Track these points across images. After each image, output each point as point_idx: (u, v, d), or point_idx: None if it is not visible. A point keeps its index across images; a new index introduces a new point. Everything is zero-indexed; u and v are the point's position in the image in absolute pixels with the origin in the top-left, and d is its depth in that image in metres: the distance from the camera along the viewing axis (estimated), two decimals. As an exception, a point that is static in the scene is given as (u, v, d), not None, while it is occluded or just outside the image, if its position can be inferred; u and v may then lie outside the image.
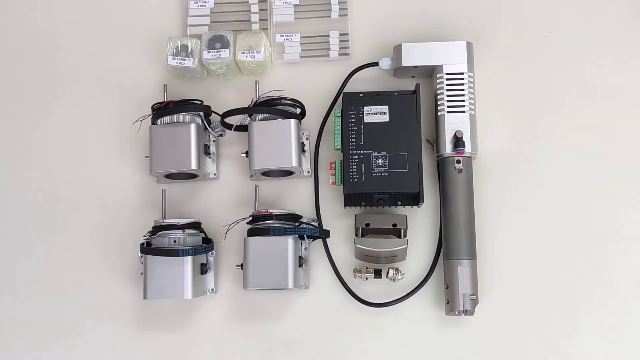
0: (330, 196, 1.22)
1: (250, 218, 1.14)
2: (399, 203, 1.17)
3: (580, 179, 1.18)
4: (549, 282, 1.15)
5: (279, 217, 1.12)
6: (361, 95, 1.16)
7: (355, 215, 1.16)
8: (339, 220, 1.21)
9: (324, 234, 1.15)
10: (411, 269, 1.17)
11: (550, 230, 1.17)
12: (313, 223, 1.18)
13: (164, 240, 1.12)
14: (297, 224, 1.16)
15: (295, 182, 1.23)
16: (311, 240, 1.18)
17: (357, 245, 1.13)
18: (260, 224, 1.13)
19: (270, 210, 1.12)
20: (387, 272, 1.15)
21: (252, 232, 1.13)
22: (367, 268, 1.16)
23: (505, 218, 1.18)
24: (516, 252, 1.17)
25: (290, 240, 1.11)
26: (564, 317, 1.14)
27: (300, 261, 1.15)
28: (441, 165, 1.16)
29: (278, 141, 1.15)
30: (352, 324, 1.17)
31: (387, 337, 1.16)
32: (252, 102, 1.17)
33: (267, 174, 1.20)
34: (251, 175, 1.22)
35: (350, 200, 1.17)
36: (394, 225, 1.15)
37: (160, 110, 1.16)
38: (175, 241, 1.11)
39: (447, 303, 1.12)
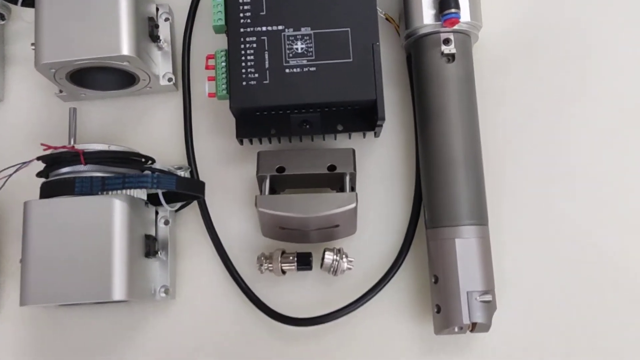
0: (210, 121, 0.67)
1: (39, 163, 0.57)
2: (340, 128, 0.63)
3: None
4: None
5: (93, 157, 0.56)
6: None
7: (259, 154, 0.62)
8: (229, 167, 0.66)
9: (192, 189, 0.59)
10: (366, 250, 0.64)
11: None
12: (176, 171, 0.63)
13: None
14: (139, 172, 0.59)
15: (145, 100, 0.67)
16: (175, 207, 0.63)
17: (261, 210, 0.58)
18: (57, 174, 0.57)
19: (78, 146, 0.56)
20: (322, 259, 0.61)
21: (44, 191, 0.57)
22: (283, 253, 0.62)
23: (528, 150, 0.65)
24: (551, 207, 0.65)
25: (117, 205, 0.54)
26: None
27: (151, 247, 0.59)
28: (415, 53, 0.63)
29: (92, 15, 0.58)
30: (265, 356, 0.63)
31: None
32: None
33: (88, 83, 0.63)
34: (60, 91, 0.65)
35: (246, 125, 0.62)
36: (331, 168, 0.61)
37: None
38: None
39: (438, 312, 0.59)
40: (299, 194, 0.59)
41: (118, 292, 0.53)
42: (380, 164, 0.65)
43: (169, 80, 0.65)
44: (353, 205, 0.58)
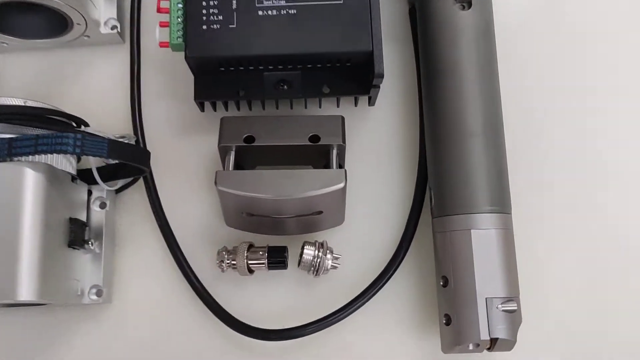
0: (164, 81, 0.53)
1: None
2: (326, 90, 0.50)
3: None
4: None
5: (1, 114, 0.42)
6: None
7: (223, 120, 0.49)
8: (185, 139, 0.53)
9: (132, 158, 0.45)
10: (356, 245, 0.51)
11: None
12: (116, 139, 0.49)
13: None
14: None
15: (83, 53, 0.54)
16: (115, 187, 0.49)
17: (222, 189, 0.45)
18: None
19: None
20: (301, 255, 0.48)
21: None
22: (251, 247, 0.49)
23: (559, 124, 0.53)
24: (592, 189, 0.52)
25: (29, 175, 0.41)
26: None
27: (78, 234, 0.45)
28: (422, 0, 0.51)
29: None
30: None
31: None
32: None
33: (9, 27, 0.50)
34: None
35: (207, 84, 0.49)
36: (314, 139, 0.48)
37: None
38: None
39: (447, 323, 0.46)
40: (271, 170, 0.46)
41: (25, 291, 0.39)
42: (375, 138, 0.52)
43: (113, 28, 0.52)
44: (341, 186, 0.45)
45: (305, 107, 0.52)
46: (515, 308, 0.44)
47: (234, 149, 0.48)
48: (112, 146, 0.41)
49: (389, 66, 0.53)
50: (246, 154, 0.48)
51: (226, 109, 0.52)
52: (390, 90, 0.53)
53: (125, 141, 0.49)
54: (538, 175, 0.51)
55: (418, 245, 0.50)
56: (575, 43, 0.54)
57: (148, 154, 0.46)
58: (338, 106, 0.52)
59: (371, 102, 0.52)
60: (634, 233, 0.50)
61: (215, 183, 0.45)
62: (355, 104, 0.53)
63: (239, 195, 0.45)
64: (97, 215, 0.49)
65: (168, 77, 0.53)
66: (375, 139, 0.52)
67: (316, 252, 0.48)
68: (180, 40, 0.47)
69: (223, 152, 0.48)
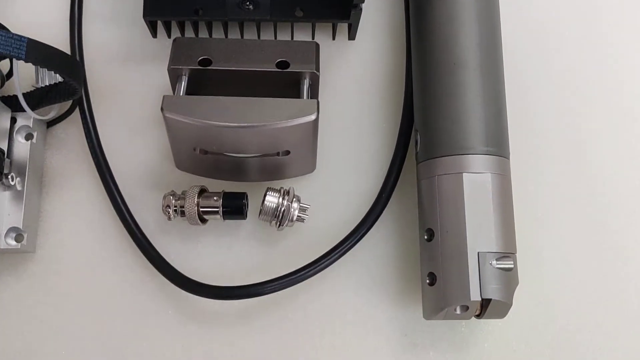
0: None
1: None
2: (299, 14, 0.43)
3: None
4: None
5: None
6: None
7: (175, 40, 0.42)
8: (133, 68, 0.45)
9: (57, 66, 0.36)
10: (328, 195, 0.44)
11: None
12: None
13: None
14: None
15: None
16: (46, 117, 0.41)
17: (169, 115, 0.38)
18: None
19: None
20: (262, 203, 0.41)
21: None
22: (204, 191, 0.42)
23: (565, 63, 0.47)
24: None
25: None
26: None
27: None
28: None
29: None
30: (168, 343, 0.41)
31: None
32: None
33: None
34: None
35: (159, 0, 0.42)
36: (282, 65, 0.41)
37: None
38: None
39: (431, 283, 0.39)
40: (229, 97, 0.39)
41: None
42: (354, 76, 0.45)
43: None
44: (312, 118, 0.38)
45: (275, 36, 0.45)
46: (512, 266, 0.37)
47: (186, 73, 0.40)
48: (32, 46, 0.34)
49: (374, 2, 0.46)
50: (201, 81, 0.41)
51: (182, 33, 0.44)
52: (373, 24, 0.46)
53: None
54: (539, 121, 0.45)
55: (400, 196, 0.43)
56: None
57: (80, 66, 0.39)
58: (313, 38, 0.45)
59: (351, 33, 0.45)
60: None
61: (162, 109, 0.38)
62: (333, 37, 0.46)
63: (189, 123, 0.38)
64: (21, 147, 0.41)
65: (115, -3, 0.46)
66: (355, 77, 0.45)
67: (280, 199, 0.41)
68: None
69: (174, 76, 0.41)
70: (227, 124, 0.38)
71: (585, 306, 0.42)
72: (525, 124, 0.44)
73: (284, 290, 0.40)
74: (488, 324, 0.41)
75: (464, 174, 0.38)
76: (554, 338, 0.41)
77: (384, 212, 0.42)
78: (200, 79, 0.41)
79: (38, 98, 0.41)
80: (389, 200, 0.42)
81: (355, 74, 0.45)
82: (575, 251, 0.43)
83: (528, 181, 0.43)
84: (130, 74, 0.45)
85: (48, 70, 0.36)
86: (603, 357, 0.41)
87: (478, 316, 0.38)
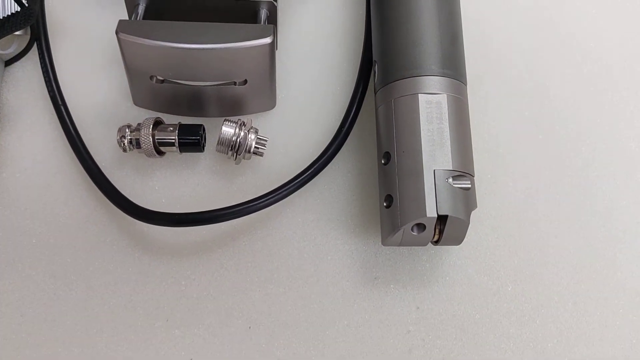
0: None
1: None
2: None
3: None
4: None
5: None
6: None
7: (133, -28, 0.42)
8: (93, 6, 0.45)
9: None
10: (288, 130, 0.43)
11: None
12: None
13: None
14: None
15: None
16: (4, 54, 0.41)
17: (124, 37, 0.37)
18: None
19: None
20: (220, 135, 0.40)
21: None
22: (160, 124, 0.41)
23: None
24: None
25: None
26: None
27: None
28: None
29: None
30: (122, 276, 0.40)
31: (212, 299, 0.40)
32: None
33: None
34: None
35: None
36: (239, -7, 0.41)
37: None
38: None
39: (388, 206, 0.38)
40: (185, 22, 0.39)
41: None
42: (315, 15, 0.46)
43: None
44: (268, 41, 0.38)
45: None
46: (469, 185, 0.37)
47: (143, 1, 0.40)
48: None
49: None
50: (158, 10, 0.41)
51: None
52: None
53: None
54: (498, 51, 0.45)
55: (361, 130, 0.43)
56: None
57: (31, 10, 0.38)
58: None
59: (311, -26, 0.46)
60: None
61: (117, 32, 0.38)
62: (293, -22, 0.46)
63: (144, 46, 0.38)
64: (-24, 79, 0.41)
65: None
66: (315, 16, 0.46)
67: (237, 129, 0.40)
68: None
69: (131, 5, 0.40)
70: (182, 45, 0.37)
71: (547, 239, 0.41)
72: (484, 54, 0.44)
73: (240, 220, 0.39)
74: (449, 256, 0.41)
75: (419, 94, 0.38)
76: (517, 270, 0.41)
77: (345, 145, 0.42)
78: (157, 8, 0.41)
79: (-9, 29, 0.41)
80: (349, 132, 0.42)
81: (315, 12, 0.46)
82: (537, 182, 0.42)
83: (487, 111, 0.43)
84: (89, 10, 0.45)
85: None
86: (568, 288, 0.40)
87: (436, 242, 0.37)
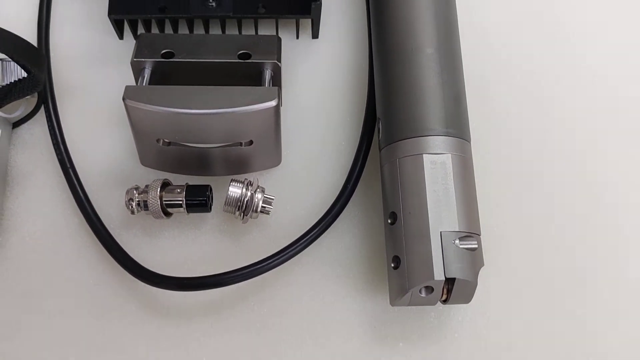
0: (80, 3, 0.47)
1: None
2: (262, 10, 0.44)
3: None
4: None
5: None
6: None
7: (139, 37, 0.42)
8: (99, 69, 0.45)
9: (22, 56, 0.36)
10: (294, 187, 0.43)
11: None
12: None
13: None
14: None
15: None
16: (12, 116, 0.41)
17: (130, 103, 0.38)
18: None
19: None
20: (227, 195, 0.41)
21: None
22: (167, 185, 0.41)
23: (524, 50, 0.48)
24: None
25: None
26: None
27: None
28: None
29: None
30: (131, 339, 0.40)
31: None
32: None
33: None
34: None
35: (123, -4, 0.43)
36: (244, 56, 0.41)
37: None
38: None
39: (395, 267, 0.38)
40: (191, 86, 0.39)
41: None
42: (318, 73, 0.46)
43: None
44: (273, 104, 0.38)
45: (239, 32, 0.46)
46: (476, 246, 0.37)
47: (149, 66, 0.41)
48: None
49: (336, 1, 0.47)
50: (164, 74, 0.41)
51: (148, 30, 0.45)
52: (337, 23, 0.47)
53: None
54: (501, 107, 0.45)
55: (366, 186, 0.43)
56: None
57: (43, 55, 0.39)
58: (275, 26, 0.46)
59: (314, 31, 0.46)
60: (605, 177, 0.44)
61: (124, 99, 0.38)
62: (297, 35, 0.47)
63: (150, 111, 0.38)
64: (-15, 145, 0.41)
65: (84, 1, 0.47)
66: (319, 73, 0.46)
67: (244, 189, 0.40)
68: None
69: (137, 70, 0.41)
70: (188, 110, 0.38)
71: (557, 292, 0.41)
72: (487, 111, 0.45)
73: (248, 281, 0.39)
74: (458, 314, 0.41)
75: (424, 154, 0.38)
76: (525, 326, 0.41)
77: (350, 202, 0.42)
78: (163, 71, 0.41)
79: (2, 95, 0.41)
80: (354, 189, 0.42)
81: (319, 70, 0.46)
82: (541, 236, 0.42)
83: (491, 167, 0.43)
84: (96, 74, 0.45)
85: (7, 56, 0.36)
86: (580, 342, 0.40)
87: (444, 302, 0.37)
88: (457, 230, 0.37)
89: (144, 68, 0.41)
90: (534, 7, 0.49)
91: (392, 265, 0.38)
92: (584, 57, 0.48)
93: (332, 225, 0.41)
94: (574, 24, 0.48)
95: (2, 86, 0.41)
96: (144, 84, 0.40)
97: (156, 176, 0.43)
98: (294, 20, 0.45)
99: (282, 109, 0.43)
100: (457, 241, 0.36)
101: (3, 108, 0.41)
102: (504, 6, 0.49)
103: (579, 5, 0.49)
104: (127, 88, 0.39)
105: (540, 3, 0.49)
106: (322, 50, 0.47)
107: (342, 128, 0.45)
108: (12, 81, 0.41)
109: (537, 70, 0.47)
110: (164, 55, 0.41)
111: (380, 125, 0.41)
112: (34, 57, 0.37)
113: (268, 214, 0.41)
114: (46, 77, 0.42)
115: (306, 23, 0.46)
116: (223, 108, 0.38)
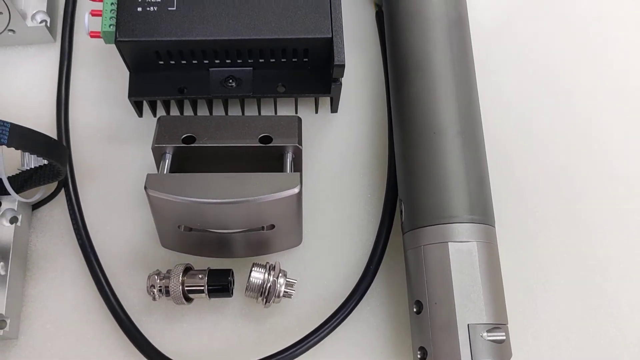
0: (97, 86, 0.47)
1: None
2: (281, 89, 0.44)
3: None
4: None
5: None
6: None
7: (160, 119, 0.42)
8: (118, 149, 0.45)
9: (41, 150, 0.35)
10: (315, 268, 0.43)
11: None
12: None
13: None
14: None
15: (5, 52, 0.47)
16: (31, 200, 0.41)
17: (153, 193, 0.38)
18: None
19: None
20: (248, 280, 0.40)
21: None
22: (189, 269, 0.41)
23: (544, 131, 0.47)
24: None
25: None
26: None
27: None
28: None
29: None
30: None
31: None
32: None
33: None
34: None
35: (144, 81, 0.43)
36: (265, 140, 0.41)
37: None
38: None
39: (422, 357, 0.38)
40: (212, 174, 0.39)
41: None
42: (338, 149, 0.46)
43: (41, 22, 0.46)
44: (295, 191, 0.38)
45: (259, 113, 0.46)
46: (504, 338, 0.36)
47: (170, 150, 0.41)
48: (15, 131, 0.34)
49: (355, 73, 0.47)
50: (185, 158, 0.41)
51: (167, 112, 0.45)
52: (356, 98, 0.47)
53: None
54: (524, 187, 0.45)
55: (388, 267, 0.42)
56: (558, 38, 0.49)
57: (64, 149, 0.39)
58: (296, 112, 0.46)
59: (333, 106, 0.46)
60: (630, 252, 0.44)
61: (145, 188, 0.38)
62: (316, 110, 0.46)
63: (172, 201, 0.38)
64: (5, 231, 0.41)
65: (102, 79, 0.47)
66: (338, 148, 0.46)
67: (266, 275, 0.40)
68: (113, 28, 0.41)
69: (158, 155, 0.41)
70: (210, 200, 0.37)
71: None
72: (510, 191, 0.44)
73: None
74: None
75: (449, 243, 0.37)
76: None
77: (373, 283, 0.41)
78: (185, 156, 0.41)
79: (22, 180, 0.41)
80: (377, 271, 0.41)
81: (338, 146, 0.46)
82: (570, 319, 0.42)
83: (516, 249, 0.43)
84: (115, 153, 0.45)
85: (29, 153, 0.36)
86: None
87: (474, 392, 0.37)
88: (484, 322, 0.36)
89: (165, 153, 0.41)
90: (550, 76, 0.48)
91: (419, 356, 0.37)
92: (599, 127, 0.47)
93: (355, 309, 0.40)
94: (594, 93, 0.48)
95: (23, 172, 0.41)
96: (165, 171, 0.40)
97: (177, 257, 0.42)
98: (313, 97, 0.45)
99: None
100: (484, 334, 0.36)
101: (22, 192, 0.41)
102: (523, 76, 0.48)
103: (596, 74, 0.49)
104: (149, 177, 0.38)
105: (556, 71, 0.49)
106: (341, 125, 0.46)
107: (362, 204, 0.44)
108: (33, 167, 0.41)
109: (561, 147, 0.46)
110: (184, 140, 0.41)
111: (402, 207, 0.41)
112: (56, 152, 0.37)
113: (290, 297, 0.41)
114: (67, 167, 0.42)
115: (325, 99, 0.46)
116: (245, 197, 0.38)
